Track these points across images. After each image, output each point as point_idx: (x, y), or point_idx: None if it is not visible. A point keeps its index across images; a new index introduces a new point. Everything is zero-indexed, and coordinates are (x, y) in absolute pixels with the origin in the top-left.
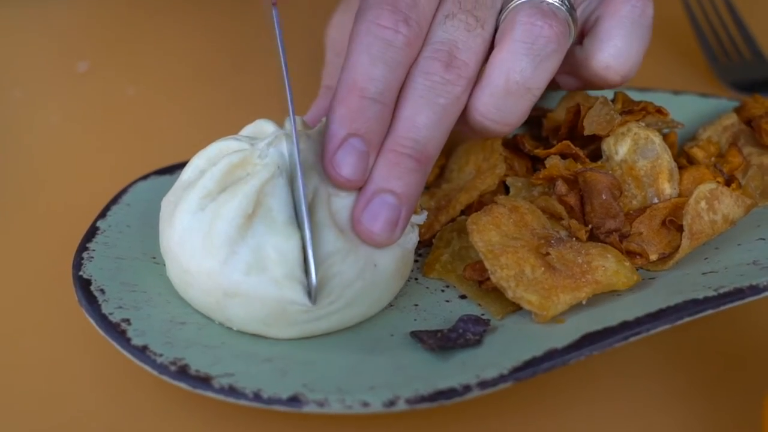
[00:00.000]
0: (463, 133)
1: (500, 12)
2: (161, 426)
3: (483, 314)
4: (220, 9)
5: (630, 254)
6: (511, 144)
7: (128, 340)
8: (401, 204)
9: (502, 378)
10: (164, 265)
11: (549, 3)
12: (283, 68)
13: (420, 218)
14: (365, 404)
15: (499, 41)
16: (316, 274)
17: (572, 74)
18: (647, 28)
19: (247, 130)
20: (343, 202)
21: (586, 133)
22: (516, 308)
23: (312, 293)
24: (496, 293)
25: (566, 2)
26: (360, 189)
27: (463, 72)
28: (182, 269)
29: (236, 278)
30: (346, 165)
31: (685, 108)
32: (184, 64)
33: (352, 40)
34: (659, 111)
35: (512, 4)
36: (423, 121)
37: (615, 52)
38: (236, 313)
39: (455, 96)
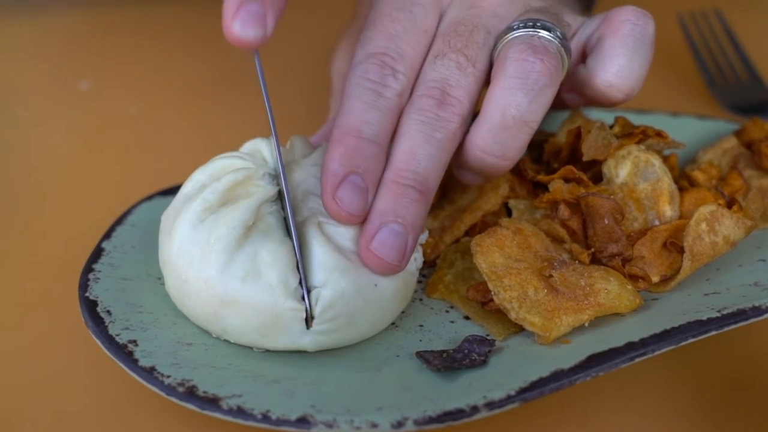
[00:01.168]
0: (464, 179)
1: (494, 48)
2: None
3: (488, 335)
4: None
5: (632, 278)
6: (513, 167)
7: (135, 361)
8: (407, 233)
9: (509, 398)
10: None
11: (540, 37)
12: (268, 112)
13: (422, 238)
14: (374, 425)
15: (494, 77)
16: (308, 281)
17: (576, 92)
18: (649, 46)
19: (245, 147)
20: (344, 225)
21: (585, 158)
22: (519, 330)
23: (306, 301)
24: (499, 314)
25: (558, 35)
26: (364, 221)
27: (456, 109)
28: (181, 280)
29: (233, 286)
30: (349, 200)
31: (683, 130)
32: (186, 82)
33: (346, 91)
34: (659, 134)
35: (504, 40)
36: (422, 153)
37: (617, 70)
38: (232, 323)
39: (451, 132)
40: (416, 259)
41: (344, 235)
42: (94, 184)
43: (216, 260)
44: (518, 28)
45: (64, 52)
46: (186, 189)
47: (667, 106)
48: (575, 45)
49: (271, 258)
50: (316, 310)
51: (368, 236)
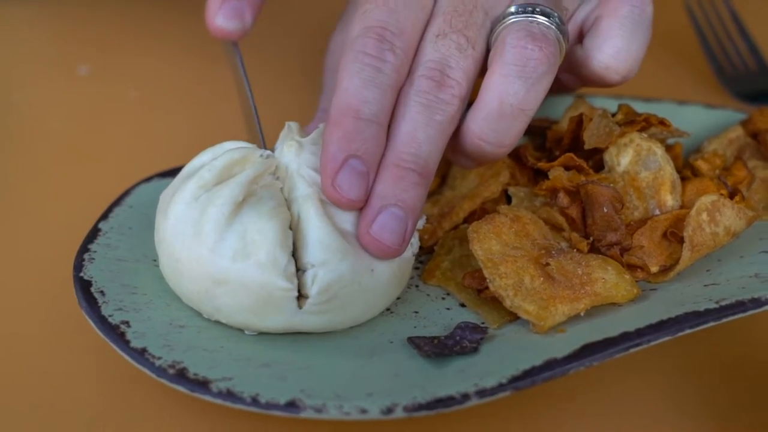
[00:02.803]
0: (459, 163)
1: (490, 31)
2: (159, 428)
3: (483, 323)
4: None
5: (631, 267)
6: (513, 154)
7: (127, 342)
8: (407, 216)
9: (500, 387)
10: None
11: (539, 23)
12: (251, 102)
13: (419, 223)
14: (363, 411)
15: (491, 63)
16: (303, 258)
17: (572, 73)
18: (647, 27)
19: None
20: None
21: (587, 146)
22: (514, 318)
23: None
24: (495, 302)
25: (556, 19)
26: (366, 204)
27: (456, 91)
28: (174, 258)
29: (223, 265)
30: (349, 186)
31: (689, 119)
32: (186, 66)
33: (342, 67)
34: (662, 123)
35: (502, 25)
36: (422, 136)
37: (614, 52)
38: (225, 302)
39: (450, 114)
40: (413, 245)
41: (344, 217)
42: (94, 168)
43: (206, 239)
44: (516, 13)
45: (63, 37)
46: (187, 168)
47: (674, 94)
48: (572, 26)
49: (259, 236)
50: (312, 290)
51: (368, 220)
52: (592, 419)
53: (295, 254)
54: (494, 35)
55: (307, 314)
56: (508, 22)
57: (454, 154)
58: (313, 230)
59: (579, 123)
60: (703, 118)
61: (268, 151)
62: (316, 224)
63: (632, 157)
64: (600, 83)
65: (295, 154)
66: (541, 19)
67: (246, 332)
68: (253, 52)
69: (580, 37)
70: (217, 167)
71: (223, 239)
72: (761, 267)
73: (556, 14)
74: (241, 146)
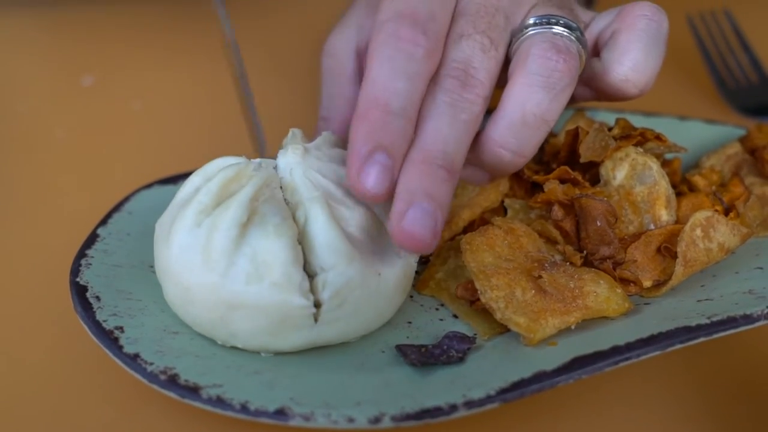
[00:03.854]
0: (472, 177)
1: (510, 41)
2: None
3: (475, 334)
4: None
5: (623, 281)
6: None
7: (120, 347)
8: (437, 211)
9: (488, 399)
10: None
11: (562, 35)
12: (252, 109)
13: None
14: (350, 420)
15: (514, 72)
16: (313, 262)
17: (588, 86)
18: (663, 42)
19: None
20: (348, 211)
21: (582, 160)
22: (505, 330)
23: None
24: (486, 314)
25: (577, 32)
26: (395, 200)
27: (480, 91)
28: (183, 287)
29: (237, 289)
30: (374, 179)
31: (690, 134)
32: (190, 78)
33: (372, 52)
34: (658, 138)
35: (524, 35)
36: (450, 134)
37: (633, 65)
38: (241, 327)
39: (475, 114)
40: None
41: (351, 221)
42: (96, 177)
43: (216, 265)
44: (537, 24)
45: (67, 48)
46: (181, 194)
47: (676, 108)
48: (587, 38)
49: (270, 257)
50: (324, 296)
51: (399, 214)
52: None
53: (306, 260)
54: (515, 45)
55: (324, 325)
56: (530, 33)
57: (467, 169)
58: (321, 234)
59: (575, 136)
60: (703, 133)
61: (261, 160)
62: (324, 228)
63: (628, 172)
64: (618, 96)
65: (300, 158)
66: (565, 31)
67: (262, 354)
68: (255, 60)
69: (595, 51)
70: (213, 190)
71: (233, 264)
72: (756, 283)
73: (576, 26)
74: (231, 162)
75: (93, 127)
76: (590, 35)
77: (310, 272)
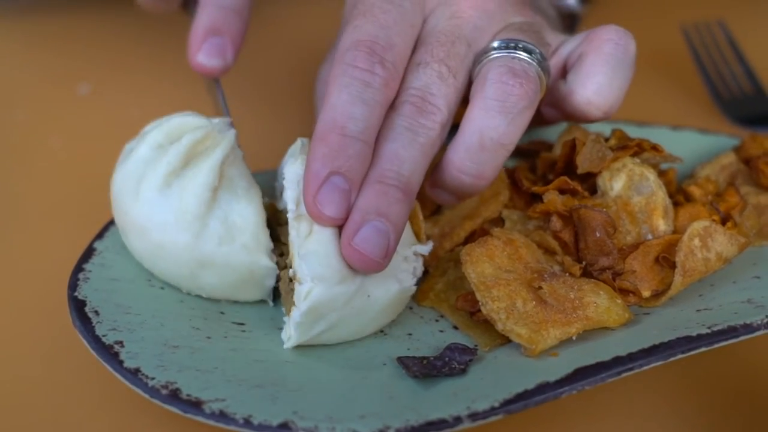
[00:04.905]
0: (439, 198)
1: (473, 64)
2: None
3: (476, 345)
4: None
5: (623, 292)
6: (510, 178)
7: (121, 362)
8: (390, 231)
9: (492, 410)
10: (161, 288)
11: (520, 59)
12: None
13: (426, 248)
14: None
15: (473, 97)
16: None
17: (555, 107)
18: (630, 65)
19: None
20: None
21: (580, 171)
22: (505, 341)
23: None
24: (487, 325)
25: (537, 56)
26: (349, 217)
27: (437, 117)
28: (154, 244)
29: (210, 249)
30: (329, 203)
31: (684, 144)
32: (188, 86)
33: (331, 81)
34: (654, 148)
35: (485, 59)
36: (406, 155)
37: (597, 89)
38: (209, 282)
39: (432, 138)
40: (415, 269)
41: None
42: (93, 186)
43: (190, 226)
44: (499, 48)
45: (63, 56)
46: (142, 150)
47: (670, 118)
48: (555, 61)
49: (241, 220)
50: (302, 306)
51: (350, 232)
52: None
53: (293, 266)
54: (477, 69)
55: (293, 331)
56: (490, 57)
57: (434, 189)
58: (322, 244)
59: (572, 148)
60: (697, 143)
61: (220, 120)
62: (327, 240)
63: (625, 182)
64: (582, 118)
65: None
66: (523, 55)
67: (222, 301)
68: (249, 78)
69: (563, 72)
70: (182, 152)
71: (206, 225)
72: (754, 292)
73: (538, 50)
74: (194, 123)
75: (90, 135)
76: (558, 58)
77: (299, 278)
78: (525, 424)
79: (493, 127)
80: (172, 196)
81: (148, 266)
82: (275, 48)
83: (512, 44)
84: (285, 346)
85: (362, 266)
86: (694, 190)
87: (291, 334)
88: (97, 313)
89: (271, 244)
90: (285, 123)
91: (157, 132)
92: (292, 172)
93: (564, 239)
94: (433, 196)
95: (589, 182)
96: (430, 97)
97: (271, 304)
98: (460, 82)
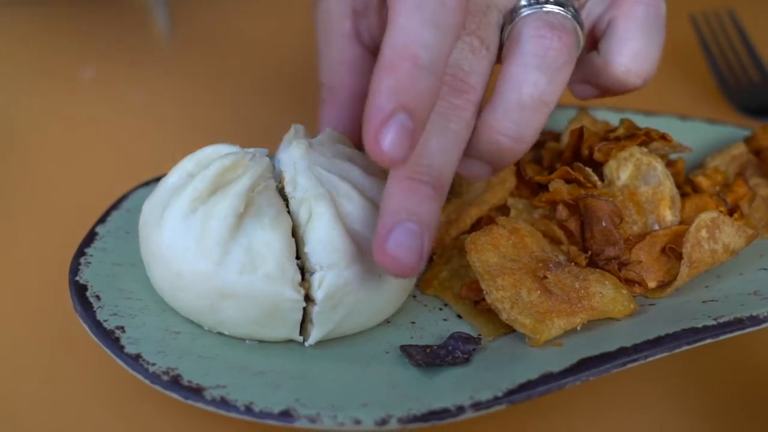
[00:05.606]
0: (471, 172)
1: (502, 29)
2: None
3: (479, 334)
4: (227, 17)
5: (628, 282)
6: (515, 166)
7: (122, 347)
8: (423, 231)
9: (496, 400)
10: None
11: (555, 13)
12: None
13: None
14: (357, 422)
15: (507, 56)
16: (311, 259)
17: (588, 82)
18: (663, 27)
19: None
20: (352, 206)
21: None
22: (509, 330)
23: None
24: (491, 314)
25: (571, 9)
26: (379, 220)
27: (471, 96)
28: (173, 273)
29: (231, 278)
30: (392, 143)
31: (691, 134)
32: (191, 73)
33: (397, 1)
34: (663, 137)
35: (517, 18)
36: (436, 146)
37: (634, 54)
38: (230, 315)
39: (465, 121)
40: None
41: (356, 218)
42: (95, 173)
43: (211, 253)
44: (530, 5)
45: (65, 42)
46: (172, 179)
47: (678, 107)
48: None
49: (265, 248)
50: (318, 295)
51: (382, 237)
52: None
53: (300, 254)
54: (507, 30)
55: (317, 326)
56: (523, 14)
57: (467, 161)
58: (324, 231)
59: (580, 136)
60: (705, 133)
61: (256, 150)
62: (328, 225)
63: (632, 172)
64: (620, 88)
65: (305, 153)
66: (557, 9)
67: (247, 341)
68: (253, 56)
69: (593, 43)
70: (209, 177)
71: (228, 252)
72: (761, 284)
73: (570, 5)
74: (226, 151)
75: (93, 121)
76: (586, 21)
77: (307, 268)
78: (528, 415)
79: (533, 83)
80: (196, 221)
81: (168, 299)
82: (269, 39)
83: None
84: (308, 344)
85: (397, 272)
86: (702, 181)
87: (311, 329)
88: (98, 297)
89: (298, 276)
90: (279, 113)
91: (188, 160)
92: (288, 155)
93: (570, 228)
94: (465, 171)
95: (598, 171)
96: (463, 74)
97: (299, 339)
98: (493, 53)
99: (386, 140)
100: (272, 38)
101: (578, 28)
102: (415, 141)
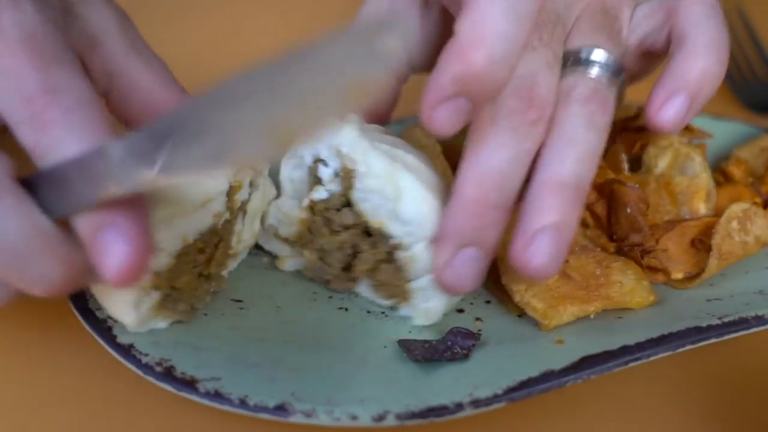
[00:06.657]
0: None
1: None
2: (147, 425)
3: (479, 330)
4: (230, 11)
5: (651, 270)
6: None
7: (114, 337)
8: (484, 257)
9: (495, 397)
10: None
11: (600, 81)
12: None
13: None
14: (354, 417)
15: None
16: None
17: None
18: (723, 20)
19: None
20: (426, 175)
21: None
22: (521, 312)
23: None
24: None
25: (612, 71)
26: (441, 240)
27: (544, 113)
28: None
29: None
30: (444, 118)
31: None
32: (194, 74)
33: None
34: (686, 127)
35: (566, 65)
36: (508, 168)
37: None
38: None
39: (536, 140)
40: None
41: (433, 186)
42: None
43: None
44: (574, 63)
45: None
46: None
47: None
48: (633, 43)
49: None
50: (419, 276)
51: (445, 261)
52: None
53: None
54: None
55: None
56: (571, 69)
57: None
58: (417, 202)
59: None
60: (711, 128)
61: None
62: (422, 197)
63: (670, 161)
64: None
65: (360, 132)
66: (603, 75)
67: None
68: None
69: (646, 54)
70: None
71: None
72: (766, 283)
73: (615, 64)
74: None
75: None
76: (635, 37)
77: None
78: (528, 413)
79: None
80: None
81: None
82: (267, 35)
83: (586, 53)
84: (430, 321)
85: (453, 292)
86: (735, 171)
87: (431, 301)
88: None
89: None
90: None
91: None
92: (344, 136)
93: (597, 212)
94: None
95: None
96: (538, 88)
97: None
98: (559, 69)
99: (440, 115)
100: (266, 36)
101: (615, 95)
102: (465, 122)
